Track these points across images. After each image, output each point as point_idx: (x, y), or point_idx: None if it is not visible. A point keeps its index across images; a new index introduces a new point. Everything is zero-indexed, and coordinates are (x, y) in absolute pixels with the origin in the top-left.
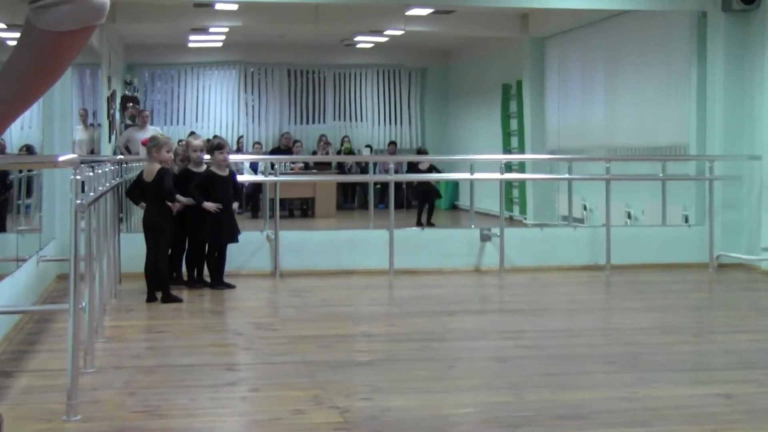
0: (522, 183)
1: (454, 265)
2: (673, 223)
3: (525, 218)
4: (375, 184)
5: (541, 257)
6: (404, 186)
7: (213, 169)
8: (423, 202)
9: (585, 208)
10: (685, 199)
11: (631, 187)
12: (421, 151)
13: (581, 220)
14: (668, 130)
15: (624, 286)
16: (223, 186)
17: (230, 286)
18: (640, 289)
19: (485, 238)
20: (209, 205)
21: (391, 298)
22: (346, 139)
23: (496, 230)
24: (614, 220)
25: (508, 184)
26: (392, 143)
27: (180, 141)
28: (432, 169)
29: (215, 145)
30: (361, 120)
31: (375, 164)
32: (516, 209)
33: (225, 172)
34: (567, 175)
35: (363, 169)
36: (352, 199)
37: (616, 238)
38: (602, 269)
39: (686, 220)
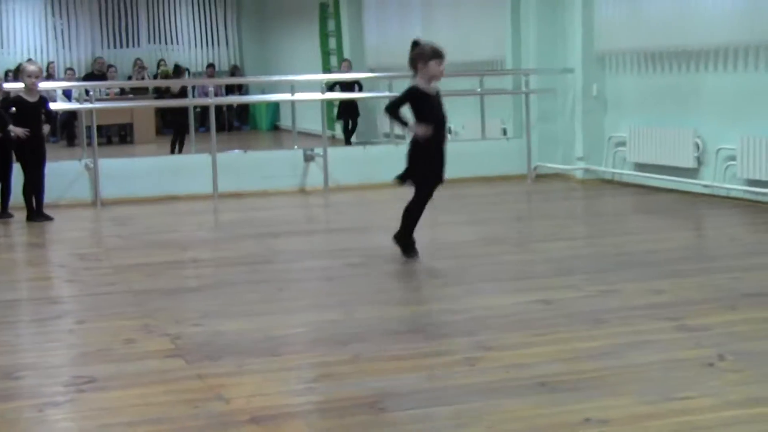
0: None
1: (278, 186)
2: (492, 137)
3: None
4: (195, 107)
5: (365, 176)
6: (225, 109)
7: (21, 94)
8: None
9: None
10: (503, 113)
11: (451, 102)
12: (235, 70)
13: (403, 137)
14: (485, 45)
15: (448, 200)
16: (32, 111)
17: (48, 218)
18: (463, 203)
19: (309, 158)
20: (17, 130)
21: (217, 223)
22: (162, 62)
23: (319, 150)
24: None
25: (329, 103)
26: (210, 66)
27: None
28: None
29: (20, 69)
30: (177, 42)
31: (194, 88)
32: (338, 128)
33: (35, 98)
34: (388, 93)
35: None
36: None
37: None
38: None
39: (505, 134)
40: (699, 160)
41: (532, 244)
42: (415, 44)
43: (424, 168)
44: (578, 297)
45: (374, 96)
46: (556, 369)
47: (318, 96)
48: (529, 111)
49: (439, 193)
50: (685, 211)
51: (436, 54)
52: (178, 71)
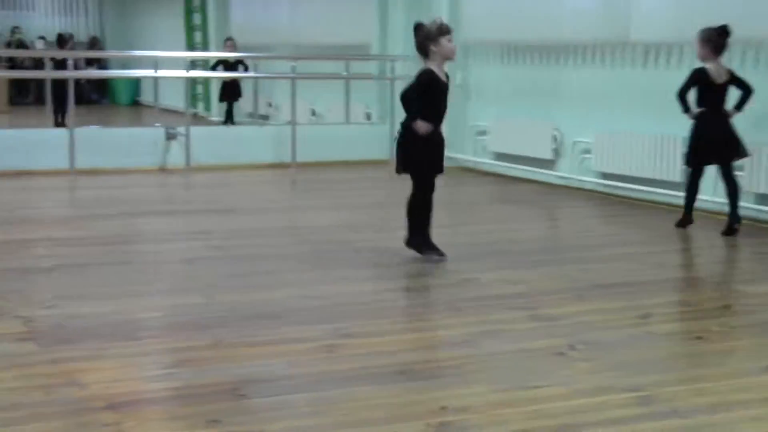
0: (206, 79)
1: (138, 164)
2: (356, 121)
3: (210, 115)
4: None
5: (228, 156)
6: (83, 81)
7: None
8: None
9: (270, 105)
10: (368, 97)
11: (316, 85)
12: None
13: (266, 118)
14: (352, 29)
15: (310, 184)
16: None
17: None
18: (325, 187)
19: (170, 137)
20: None
21: (73, 200)
22: (16, 29)
23: (181, 128)
24: (299, 118)
25: (192, 80)
26: (65, 36)
27: None
28: None
29: None
30: (32, 9)
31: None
32: (201, 106)
33: None
34: (253, 74)
35: (37, 63)
36: (26, 93)
37: (302, 137)
38: (288, 167)
39: (369, 118)
40: (557, 152)
41: (392, 231)
42: (418, 27)
43: (422, 157)
44: (437, 285)
45: (240, 76)
46: (415, 357)
47: (182, 74)
48: (394, 96)
49: (301, 176)
50: (542, 202)
51: (444, 30)
52: (62, 41)
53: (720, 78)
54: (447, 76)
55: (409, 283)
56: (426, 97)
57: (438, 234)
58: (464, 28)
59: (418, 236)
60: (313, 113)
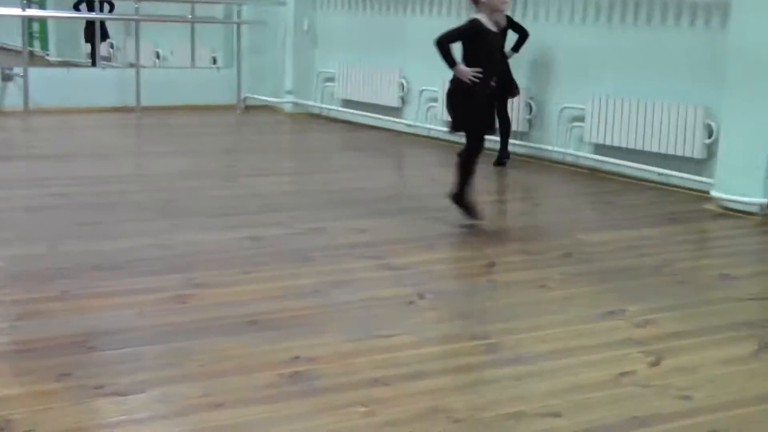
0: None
1: None
2: (202, 65)
3: (48, 54)
4: None
5: (69, 99)
6: None
7: None
8: None
9: (112, 47)
10: (214, 41)
11: (160, 27)
12: None
13: (108, 59)
14: None
15: (155, 129)
16: None
17: None
18: (171, 132)
19: (7, 78)
20: None
21: None
22: None
23: (18, 70)
24: (143, 60)
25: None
26: None
27: None
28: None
29: None
30: None
31: None
32: (37, 44)
33: None
34: (93, 14)
35: None
36: None
37: (146, 80)
38: (132, 111)
39: (215, 63)
40: (403, 100)
41: (241, 178)
42: None
43: (472, 113)
44: (286, 234)
45: (79, 17)
46: (266, 307)
47: (18, 12)
48: (241, 41)
49: (146, 121)
50: (390, 150)
51: None
52: None
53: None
54: (500, 30)
55: (258, 232)
56: (472, 47)
57: (286, 182)
58: None
59: (464, 194)
60: (158, 56)
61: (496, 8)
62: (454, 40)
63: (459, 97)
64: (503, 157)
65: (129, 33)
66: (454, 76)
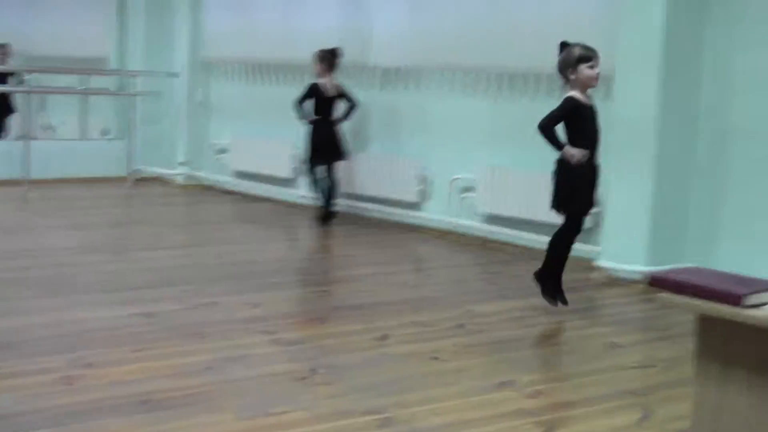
0: None
1: None
2: (92, 137)
3: None
4: None
5: None
6: None
7: None
8: None
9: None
10: (106, 112)
11: (51, 98)
12: None
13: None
14: (88, 41)
15: (45, 202)
16: None
17: None
18: (61, 206)
19: None
20: None
21: None
22: None
23: None
24: (31, 132)
25: None
26: None
27: None
28: None
29: None
30: None
31: None
32: None
33: None
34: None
35: None
36: None
37: (35, 152)
38: (21, 184)
39: (106, 134)
40: (295, 171)
41: (132, 252)
42: (564, 46)
43: (580, 194)
44: (180, 310)
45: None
46: (159, 385)
47: None
48: (135, 112)
49: (35, 194)
50: (282, 221)
51: (584, 57)
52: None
53: (331, 92)
54: (593, 105)
55: (150, 308)
56: (573, 125)
57: (179, 255)
58: (205, 45)
59: (550, 276)
60: (49, 127)
61: (586, 83)
62: (557, 122)
63: (563, 176)
64: (328, 216)
65: (20, 105)
66: (561, 156)
